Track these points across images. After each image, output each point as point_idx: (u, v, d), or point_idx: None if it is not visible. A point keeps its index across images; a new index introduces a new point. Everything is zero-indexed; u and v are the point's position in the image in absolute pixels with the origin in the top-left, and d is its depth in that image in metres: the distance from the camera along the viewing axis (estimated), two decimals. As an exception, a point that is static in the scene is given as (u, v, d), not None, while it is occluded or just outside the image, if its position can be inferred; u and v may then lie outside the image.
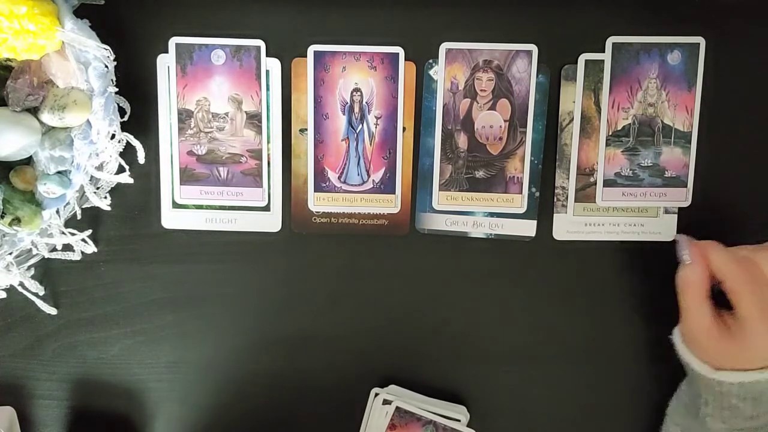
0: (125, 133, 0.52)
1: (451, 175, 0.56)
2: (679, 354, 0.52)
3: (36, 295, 0.56)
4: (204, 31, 0.54)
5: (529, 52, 0.55)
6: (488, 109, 0.56)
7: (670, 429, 0.54)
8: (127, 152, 0.53)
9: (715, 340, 0.49)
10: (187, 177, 0.56)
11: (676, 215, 0.57)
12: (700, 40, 0.55)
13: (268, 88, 0.55)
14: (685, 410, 0.54)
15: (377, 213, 0.57)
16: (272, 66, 0.55)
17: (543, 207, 0.57)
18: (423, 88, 0.56)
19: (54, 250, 0.55)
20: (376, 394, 0.57)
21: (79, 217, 0.54)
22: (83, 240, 0.55)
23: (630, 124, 0.56)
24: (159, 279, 0.58)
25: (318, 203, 0.57)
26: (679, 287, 0.51)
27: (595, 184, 0.56)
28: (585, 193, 0.57)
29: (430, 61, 0.55)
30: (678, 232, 0.55)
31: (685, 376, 0.53)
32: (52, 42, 0.48)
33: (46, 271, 0.57)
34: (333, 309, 0.58)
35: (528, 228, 0.57)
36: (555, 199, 0.57)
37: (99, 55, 0.49)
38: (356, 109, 0.56)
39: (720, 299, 0.50)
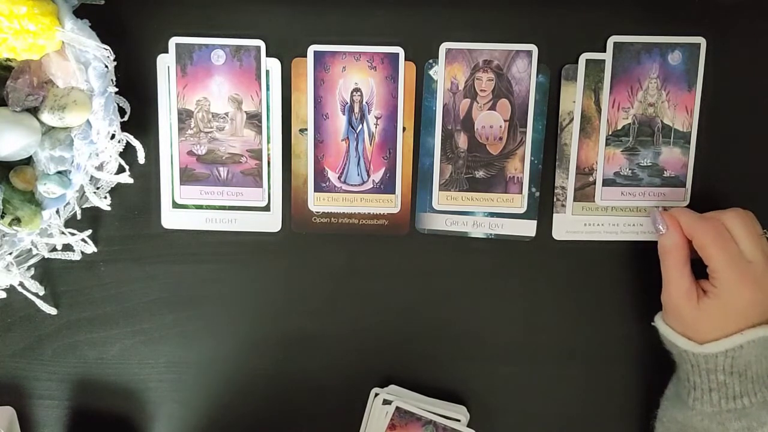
0: (125, 133, 0.52)
1: (451, 175, 0.56)
2: (664, 337, 0.53)
3: (36, 295, 0.56)
4: (204, 31, 0.54)
5: (529, 52, 0.55)
6: (488, 109, 0.56)
7: (656, 427, 0.55)
8: (127, 152, 0.53)
9: (695, 303, 0.51)
10: (187, 177, 0.56)
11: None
12: (701, 41, 0.55)
13: (268, 88, 0.55)
14: (670, 404, 0.54)
15: (377, 213, 0.57)
16: (272, 66, 0.55)
17: (543, 207, 0.57)
18: (423, 88, 0.56)
19: (54, 250, 0.55)
20: (376, 394, 0.57)
21: (79, 217, 0.54)
22: (83, 240, 0.55)
23: (630, 123, 0.56)
24: (159, 279, 0.58)
25: (318, 203, 0.57)
26: (660, 256, 0.53)
27: (595, 183, 0.56)
28: (584, 193, 0.57)
29: (430, 61, 0.55)
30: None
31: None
32: (52, 42, 0.48)
33: (46, 271, 0.57)
34: (333, 309, 0.58)
35: (528, 228, 0.57)
36: (555, 199, 0.57)
37: (99, 55, 0.49)
38: (356, 109, 0.56)
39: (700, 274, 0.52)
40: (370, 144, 0.56)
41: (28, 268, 0.55)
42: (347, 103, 0.56)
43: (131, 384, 0.59)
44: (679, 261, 0.52)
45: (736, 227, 0.51)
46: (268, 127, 0.56)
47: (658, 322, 0.54)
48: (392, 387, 0.57)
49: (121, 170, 0.52)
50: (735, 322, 0.49)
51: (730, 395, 0.50)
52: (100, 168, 0.52)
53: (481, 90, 0.55)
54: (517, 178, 0.56)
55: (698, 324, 0.51)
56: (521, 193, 0.57)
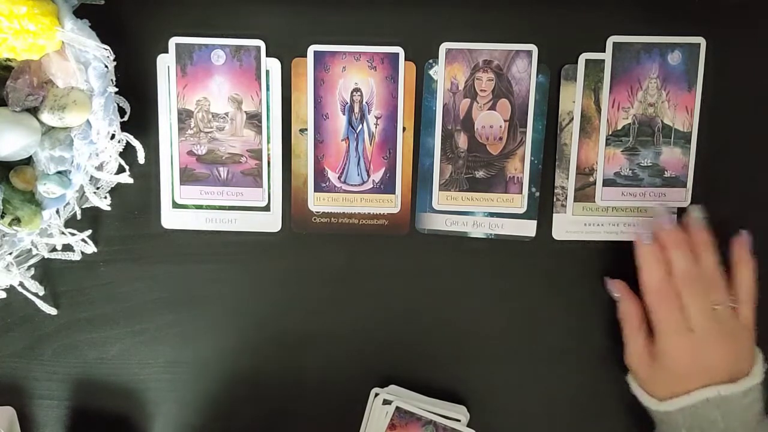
0: (125, 133, 0.52)
1: (451, 175, 0.56)
2: (634, 392, 0.55)
3: (36, 295, 0.56)
4: (204, 31, 0.54)
5: (529, 52, 0.55)
6: (488, 109, 0.56)
7: None
8: (127, 152, 0.53)
9: (647, 365, 0.53)
10: (187, 177, 0.56)
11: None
12: (701, 41, 0.55)
13: (268, 88, 0.55)
14: None
15: (377, 213, 0.57)
16: (272, 66, 0.55)
17: (543, 207, 0.57)
18: (423, 88, 0.56)
19: (54, 250, 0.55)
20: (376, 394, 0.57)
21: (79, 217, 0.54)
22: (83, 240, 0.55)
23: (630, 123, 0.56)
24: (159, 279, 0.58)
25: (318, 203, 0.57)
26: (621, 320, 0.55)
27: (595, 183, 0.56)
28: (584, 193, 0.57)
29: (430, 61, 0.55)
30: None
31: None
32: (52, 42, 0.48)
33: (46, 271, 0.57)
34: (333, 309, 0.58)
35: (528, 228, 0.57)
36: (555, 199, 0.57)
37: (99, 55, 0.49)
38: (356, 109, 0.56)
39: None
40: (370, 144, 0.56)
41: (28, 268, 0.55)
42: (347, 103, 0.56)
43: (131, 384, 0.59)
44: (634, 326, 0.54)
45: (687, 294, 0.52)
46: (268, 127, 0.56)
47: (630, 379, 0.56)
48: (392, 387, 0.57)
49: (121, 170, 0.52)
50: (683, 384, 0.51)
51: None
52: (100, 168, 0.52)
53: (481, 90, 0.55)
54: (517, 178, 0.56)
55: (654, 383, 0.53)
56: (521, 193, 0.57)
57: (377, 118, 0.56)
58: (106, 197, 0.54)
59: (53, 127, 0.51)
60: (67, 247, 0.55)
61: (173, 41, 0.54)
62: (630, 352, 0.54)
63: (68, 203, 0.53)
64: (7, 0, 0.46)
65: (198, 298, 0.58)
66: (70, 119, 0.49)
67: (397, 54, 0.55)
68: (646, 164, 0.56)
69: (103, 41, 0.49)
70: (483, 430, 0.57)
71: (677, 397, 0.51)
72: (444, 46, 0.55)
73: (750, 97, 0.56)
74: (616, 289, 0.56)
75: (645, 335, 0.54)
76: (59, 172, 0.51)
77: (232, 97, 0.55)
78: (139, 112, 0.54)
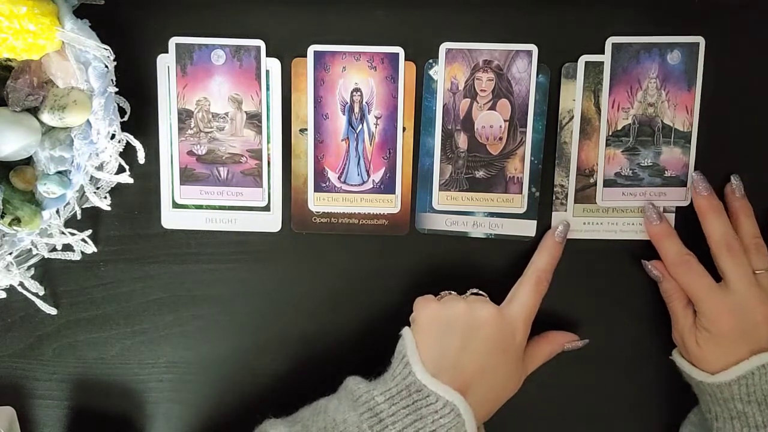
0: (125, 133, 0.52)
1: (451, 175, 0.56)
2: (681, 370, 0.54)
3: (36, 295, 0.56)
4: (204, 31, 0.54)
5: (529, 52, 0.55)
6: (488, 109, 0.56)
7: None
8: (127, 152, 0.53)
9: (695, 337, 0.53)
10: (187, 177, 0.56)
11: (674, 215, 0.57)
12: (700, 40, 0.55)
13: (268, 88, 0.55)
14: (696, 430, 0.55)
15: (377, 213, 0.57)
16: (272, 66, 0.55)
17: (543, 207, 0.57)
18: (423, 88, 0.56)
19: (54, 250, 0.55)
20: (376, 394, 0.56)
21: (79, 217, 0.54)
22: (83, 240, 0.55)
23: (630, 124, 0.56)
24: (159, 279, 0.58)
25: (318, 203, 0.57)
26: (665, 299, 0.55)
27: (595, 184, 0.56)
28: (585, 194, 0.57)
29: (430, 61, 0.55)
30: (677, 231, 0.55)
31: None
32: (52, 42, 0.48)
33: (46, 271, 0.57)
34: (333, 309, 0.58)
35: (528, 228, 0.57)
36: (554, 198, 0.57)
37: (99, 55, 0.49)
38: (356, 109, 0.56)
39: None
40: (370, 144, 0.56)
41: (28, 268, 0.55)
42: (347, 103, 0.56)
43: (131, 384, 0.59)
44: (682, 301, 0.54)
45: (725, 258, 0.52)
46: (268, 127, 0.56)
47: (675, 356, 0.55)
48: (392, 387, 0.57)
49: (121, 170, 0.52)
50: (732, 352, 0.51)
51: (752, 424, 0.50)
52: (100, 168, 0.52)
53: (481, 90, 0.55)
54: (517, 178, 0.56)
55: (704, 356, 0.52)
56: (521, 193, 0.57)
57: (377, 118, 0.56)
58: (106, 197, 0.54)
59: (53, 127, 0.51)
60: (67, 247, 0.55)
61: (173, 41, 0.54)
62: (681, 327, 0.54)
63: (68, 203, 0.53)
64: (7, 0, 0.46)
65: (198, 298, 0.58)
66: (70, 119, 0.49)
67: (397, 54, 0.55)
68: (646, 164, 0.56)
69: (103, 41, 0.49)
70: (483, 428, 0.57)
71: (731, 368, 0.50)
72: (444, 46, 0.55)
73: (750, 96, 0.56)
74: (657, 269, 0.55)
75: (693, 310, 0.54)
76: (59, 172, 0.51)
77: (232, 97, 0.55)
78: (139, 112, 0.54)
